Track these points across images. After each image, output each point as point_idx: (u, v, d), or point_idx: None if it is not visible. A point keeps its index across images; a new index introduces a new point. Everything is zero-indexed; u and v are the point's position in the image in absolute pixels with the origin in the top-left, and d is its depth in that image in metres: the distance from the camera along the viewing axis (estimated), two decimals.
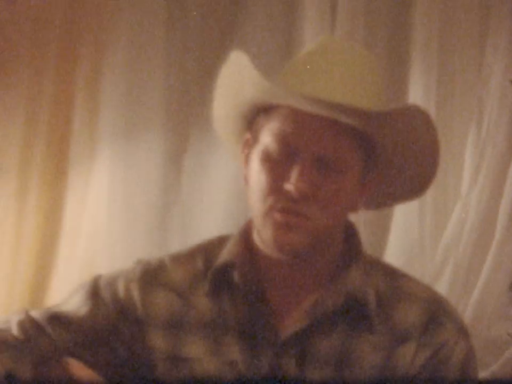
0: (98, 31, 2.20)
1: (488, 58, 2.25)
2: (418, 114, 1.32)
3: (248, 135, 1.36)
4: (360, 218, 2.00)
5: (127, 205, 2.20)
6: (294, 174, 1.28)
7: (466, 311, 2.14)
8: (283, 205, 1.30)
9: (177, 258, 1.50)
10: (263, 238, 1.35)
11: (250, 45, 2.23)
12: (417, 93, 2.25)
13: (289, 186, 1.27)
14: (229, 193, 2.19)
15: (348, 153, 1.32)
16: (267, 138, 1.32)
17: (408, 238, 2.26)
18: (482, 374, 2.17)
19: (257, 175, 1.33)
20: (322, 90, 1.30)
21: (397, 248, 2.28)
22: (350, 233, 1.43)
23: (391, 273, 1.46)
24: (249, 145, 1.36)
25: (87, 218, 2.20)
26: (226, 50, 1.59)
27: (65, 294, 1.58)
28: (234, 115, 1.42)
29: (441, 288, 2.09)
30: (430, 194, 2.19)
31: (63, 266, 2.18)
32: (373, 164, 1.36)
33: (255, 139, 1.35)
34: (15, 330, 1.43)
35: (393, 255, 2.23)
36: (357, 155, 1.33)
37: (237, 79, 1.35)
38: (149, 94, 2.19)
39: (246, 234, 1.43)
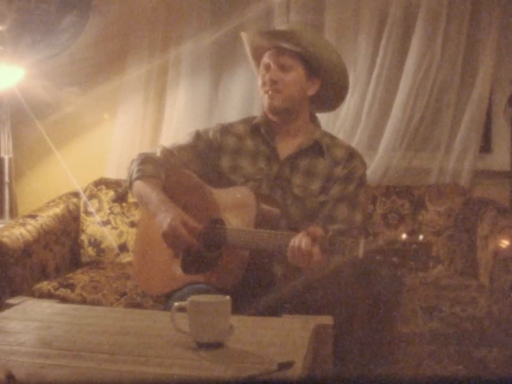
0: None
1: None
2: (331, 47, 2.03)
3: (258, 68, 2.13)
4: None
5: (194, 108, 3.05)
6: (269, 71, 2.04)
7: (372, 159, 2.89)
8: (267, 87, 2.03)
9: (237, 122, 2.19)
10: (264, 106, 2.05)
11: None
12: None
13: (268, 76, 2.03)
14: (242, 100, 3.06)
15: (291, 61, 2.03)
16: (265, 59, 2.06)
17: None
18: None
19: (259, 77, 2.10)
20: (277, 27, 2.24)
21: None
22: (315, 117, 2.13)
23: (332, 136, 2.17)
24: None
25: (176, 115, 3.06)
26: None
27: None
28: (254, 58, 2.16)
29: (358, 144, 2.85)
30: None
31: (164, 139, 3.01)
32: (313, 71, 2.03)
33: (258, 66, 2.13)
34: (158, 153, 2.09)
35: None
36: (298, 62, 2.03)
37: (253, 42, 2.11)
38: (201, 53, 3.05)
39: (265, 113, 2.12)
